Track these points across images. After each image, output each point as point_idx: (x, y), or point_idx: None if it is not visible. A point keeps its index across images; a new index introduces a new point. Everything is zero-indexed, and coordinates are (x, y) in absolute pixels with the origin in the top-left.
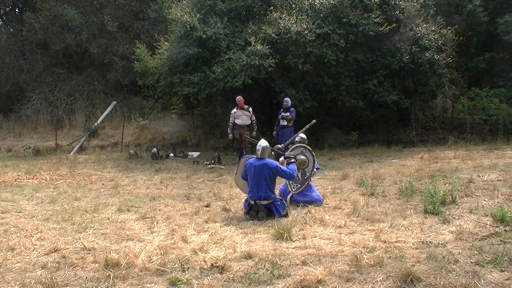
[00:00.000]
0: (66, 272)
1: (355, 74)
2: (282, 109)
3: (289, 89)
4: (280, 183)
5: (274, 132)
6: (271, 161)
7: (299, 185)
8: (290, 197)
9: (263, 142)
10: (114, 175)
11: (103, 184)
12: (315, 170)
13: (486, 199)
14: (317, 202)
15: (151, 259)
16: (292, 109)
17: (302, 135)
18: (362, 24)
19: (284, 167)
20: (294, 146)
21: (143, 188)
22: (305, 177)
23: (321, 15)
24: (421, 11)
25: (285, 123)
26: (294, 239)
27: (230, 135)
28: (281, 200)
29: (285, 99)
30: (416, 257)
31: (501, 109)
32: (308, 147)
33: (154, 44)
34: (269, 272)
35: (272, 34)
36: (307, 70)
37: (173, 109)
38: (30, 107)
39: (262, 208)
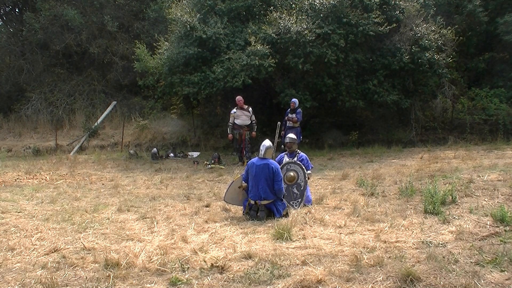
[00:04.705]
0: (66, 272)
1: (355, 74)
2: (289, 110)
3: (289, 89)
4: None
5: (283, 132)
6: (273, 162)
7: (299, 200)
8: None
9: (266, 142)
10: (114, 175)
11: (103, 184)
12: (309, 172)
13: (486, 199)
14: (305, 201)
15: (151, 259)
16: (298, 110)
17: (291, 135)
18: (362, 24)
19: (282, 177)
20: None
21: (143, 188)
22: (301, 189)
23: (321, 15)
24: (421, 11)
25: (291, 124)
26: (294, 239)
27: (230, 135)
28: (282, 200)
29: (292, 100)
30: (416, 257)
31: (501, 109)
32: (292, 160)
33: (154, 44)
34: (269, 272)
35: (272, 34)
36: (307, 70)
37: (173, 109)
38: (30, 107)
39: (262, 208)
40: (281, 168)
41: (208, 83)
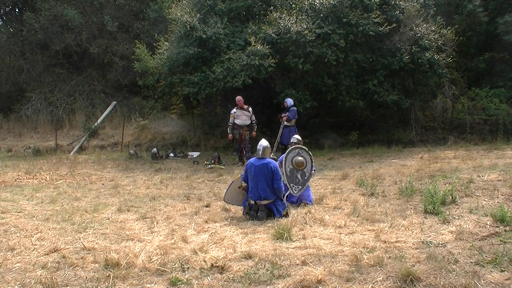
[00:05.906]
0: (66, 272)
1: (355, 74)
2: (285, 109)
3: (289, 89)
4: None
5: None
6: (272, 161)
7: (300, 187)
8: (286, 196)
9: (263, 142)
10: (114, 175)
11: (103, 184)
12: (313, 170)
13: (486, 199)
14: (307, 201)
15: (151, 259)
16: (292, 108)
17: (297, 136)
18: (362, 24)
19: (281, 175)
20: (290, 148)
21: (143, 188)
22: (305, 178)
23: (321, 15)
24: (421, 11)
25: (286, 123)
26: (294, 239)
27: (230, 135)
28: (282, 199)
29: (285, 100)
30: (416, 257)
31: (501, 109)
32: (305, 148)
33: (154, 44)
34: (269, 272)
35: (272, 34)
36: (307, 70)
37: (173, 109)
38: (30, 107)
39: (262, 208)
40: (291, 151)
41: (208, 83)
